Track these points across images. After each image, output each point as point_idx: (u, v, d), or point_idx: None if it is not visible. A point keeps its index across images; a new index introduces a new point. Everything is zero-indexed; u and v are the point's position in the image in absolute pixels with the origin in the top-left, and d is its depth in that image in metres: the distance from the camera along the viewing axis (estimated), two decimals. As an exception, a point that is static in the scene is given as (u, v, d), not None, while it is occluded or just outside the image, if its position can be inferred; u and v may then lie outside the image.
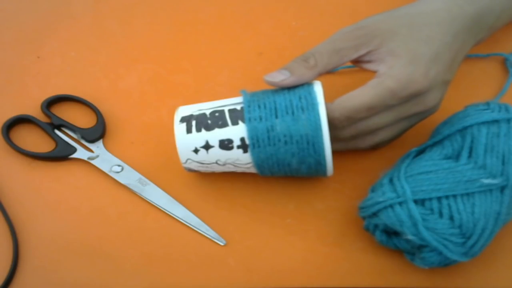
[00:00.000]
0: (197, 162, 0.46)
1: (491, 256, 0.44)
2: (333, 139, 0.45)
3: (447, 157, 0.43)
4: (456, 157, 0.43)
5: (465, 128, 0.44)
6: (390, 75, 0.44)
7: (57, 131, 0.53)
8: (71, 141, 0.53)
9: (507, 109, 0.44)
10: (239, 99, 0.45)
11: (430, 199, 0.41)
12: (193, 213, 0.48)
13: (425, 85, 0.44)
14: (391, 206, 0.41)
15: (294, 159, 0.44)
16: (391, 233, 0.43)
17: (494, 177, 0.41)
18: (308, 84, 0.45)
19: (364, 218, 0.44)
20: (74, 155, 0.52)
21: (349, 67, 0.56)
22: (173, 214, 0.48)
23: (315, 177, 0.49)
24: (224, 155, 0.44)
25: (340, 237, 0.46)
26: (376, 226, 0.44)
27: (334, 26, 0.49)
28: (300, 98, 0.43)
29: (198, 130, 0.44)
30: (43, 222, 0.48)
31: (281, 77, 0.45)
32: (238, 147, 0.44)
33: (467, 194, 0.41)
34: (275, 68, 0.45)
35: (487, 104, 0.45)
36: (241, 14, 0.64)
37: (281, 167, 0.44)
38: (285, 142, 0.43)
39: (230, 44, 0.61)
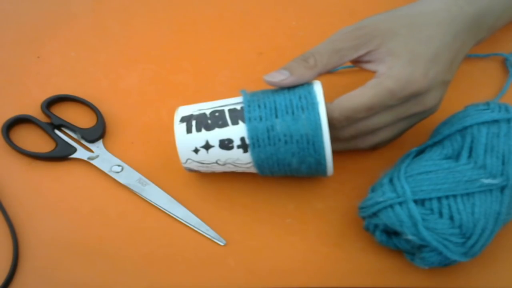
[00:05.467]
0: (197, 162, 0.46)
1: (491, 256, 0.44)
2: (333, 139, 0.45)
3: (447, 157, 0.43)
4: (456, 157, 0.43)
5: (465, 128, 0.44)
6: (390, 75, 0.44)
7: (57, 131, 0.53)
8: (71, 141, 0.53)
9: (507, 109, 0.44)
10: (239, 99, 0.45)
11: (430, 199, 0.41)
12: (193, 213, 0.48)
13: (424, 85, 0.44)
14: (391, 206, 0.41)
15: (294, 159, 0.44)
16: (391, 233, 0.43)
17: (494, 177, 0.41)
18: (308, 83, 0.45)
19: (364, 218, 0.44)
20: (74, 155, 0.52)
21: (349, 67, 0.56)
22: (173, 214, 0.48)
23: (315, 177, 0.49)
24: (224, 155, 0.44)
25: (340, 237, 0.46)
26: (376, 226, 0.44)
27: (334, 26, 0.49)
28: (300, 97, 0.43)
29: (198, 130, 0.44)
30: (43, 222, 0.48)
31: (281, 77, 0.45)
32: (238, 146, 0.44)
33: (467, 194, 0.41)
34: (275, 68, 0.45)
35: (487, 104, 0.45)
36: (241, 14, 0.64)
37: (281, 166, 0.45)
38: (285, 142, 0.43)
39: (230, 44, 0.61)
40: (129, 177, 0.50)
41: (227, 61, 0.59)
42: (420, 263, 0.42)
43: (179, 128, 0.45)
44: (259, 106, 0.44)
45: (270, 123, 0.43)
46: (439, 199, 0.41)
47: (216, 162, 0.45)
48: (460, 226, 0.40)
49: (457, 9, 0.47)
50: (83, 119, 0.55)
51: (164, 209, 0.48)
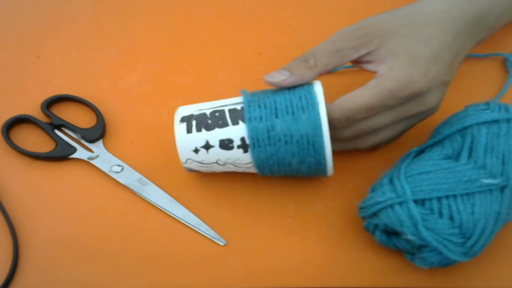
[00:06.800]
0: (197, 162, 0.46)
1: (491, 256, 0.44)
2: (333, 139, 0.45)
3: (447, 157, 0.43)
4: (456, 157, 0.43)
5: (465, 128, 0.44)
6: (390, 76, 0.44)
7: (57, 131, 0.53)
8: (71, 141, 0.53)
9: (507, 109, 0.44)
10: (239, 99, 0.45)
11: (430, 199, 0.41)
12: (193, 213, 0.48)
13: (424, 85, 0.44)
14: (391, 206, 0.41)
15: (294, 159, 0.44)
16: (391, 233, 0.43)
17: (494, 177, 0.41)
18: (308, 84, 0.45)
19: (364, 218, 0.44)
20: (74, 155, 0.52)
21: (349, 67, 0.56)
22: (173, 214, 0.48)
23: (315, 177, 0.49)
24: (224, 155, 0.44)
25: (340, 237, 0.46)
26: (376, 226, 0.44)
27: (334, 26, 0.49)
28: (300, 97, 0.43)
29: (198, 130, 0.44)
30: (43, 222, 0.48)
31: (281, 77, 0.45)
32: (239, 147, 0.44)
33: (467, 194, 0.41)
34: (275, 68, 0.45)
35: (487, 104, 0.45)
36: (241, 14, 0.64)
37: (281, 167, 0.45)
38: (285, 142, 0.43)
39: (230, 44, 0.61)
40: (129, 177, 0.50)
41: (227, 61, 0.59)
42: (420, 263, 0.42)
43: (179, 128, 0.45)
44: (259, 106, 0.44)
45: (270, 123, 0.43)
46: (439, 199, 0.41)
47: (216, 162, 0.45)
48: (460, 226, 0.40)
49: (458, 9, 0.47)
50: (83, 119, 0.55)
51: (164, 209, 0.48)
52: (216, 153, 0.44)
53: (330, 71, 0.47)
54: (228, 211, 0.48)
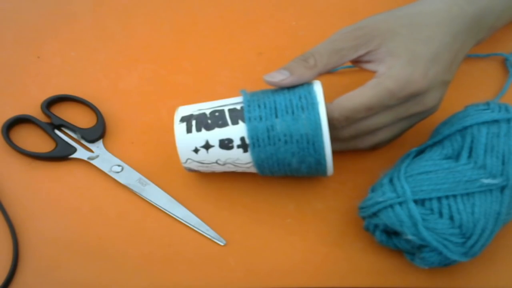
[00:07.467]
0: (197, 162, 0.46)
1: (491, 256, 0.44)
2: (333, 139, 0.45)
3: (447, 157, 0.43)
4: (456, 157, 0.43)
5: (465, 128, 0.44)
6: (389, 76, 0.44)
7: (57, 131, 0.53)
8: (71, 141, 0.53)
9: (507, 109, 0.44)
10: (239, 99, 0.45)
11: (430, 199, 0.41)
12: (193, 213, 0.48)
13: (424, 85, 0.44)
14: (391, 206, 0.41)
15: (294, 159, 0.44)
16: (391, 233, 0.43)
17: (494, 177, 0.41)
18: (308, 83, 0.45)
19: (364, 218, 0.44)
20: (74, 155, 0.52)
21: (349, 67, 0.56)
22: (173, 214, 0.48)
23: (315, 177, 0.49)
24: (224, 154, 0.44)
25: (340, 237, 0.46)
26: (376, 226, 0.44)
27: (334, 26, 0.49)
28: (300, 97, 0.43)
29: (198, 129, 0.44)
30: (43, 222, 0.48)
31: (280, 77, 0.45)
32: (238, 146, 0.44)
33: (467, 194, 0.41)
34: (275, 68, 0.45)
35: (487, 104, 0.45)
36: (241, 14, 0.64)
37: (281, 166, 0.45)
38: (285, 142, 0.43)
39: (230, 44, 0.61)
40: (129, 177, 0.50)
41: (227, 61, 0.59)
42: (420, 263, 0.42)
43: (179, 128, 0.45)
44: (259, 106, 0.44)
45: (270, 123, 0.43)
46: (439, 199, 0.41)
47: (216, 162, 0.45)
48: (460, 226, 0.40)
49: (457, 9, 0.47)
50: (83, 119, 0.55)
51: (164, 209, 0.48)
52: (216, 153, 0.44)
53: (330, 71, 0.47)
54: (228, 211, 0.48)
